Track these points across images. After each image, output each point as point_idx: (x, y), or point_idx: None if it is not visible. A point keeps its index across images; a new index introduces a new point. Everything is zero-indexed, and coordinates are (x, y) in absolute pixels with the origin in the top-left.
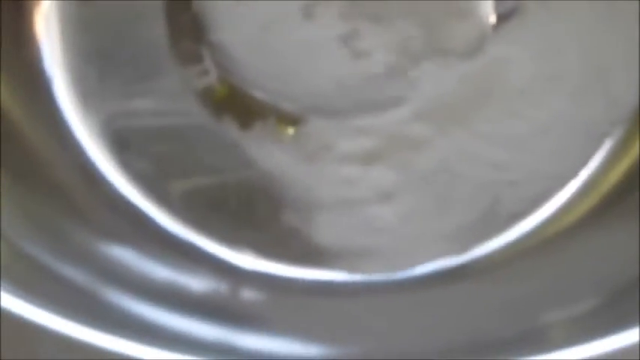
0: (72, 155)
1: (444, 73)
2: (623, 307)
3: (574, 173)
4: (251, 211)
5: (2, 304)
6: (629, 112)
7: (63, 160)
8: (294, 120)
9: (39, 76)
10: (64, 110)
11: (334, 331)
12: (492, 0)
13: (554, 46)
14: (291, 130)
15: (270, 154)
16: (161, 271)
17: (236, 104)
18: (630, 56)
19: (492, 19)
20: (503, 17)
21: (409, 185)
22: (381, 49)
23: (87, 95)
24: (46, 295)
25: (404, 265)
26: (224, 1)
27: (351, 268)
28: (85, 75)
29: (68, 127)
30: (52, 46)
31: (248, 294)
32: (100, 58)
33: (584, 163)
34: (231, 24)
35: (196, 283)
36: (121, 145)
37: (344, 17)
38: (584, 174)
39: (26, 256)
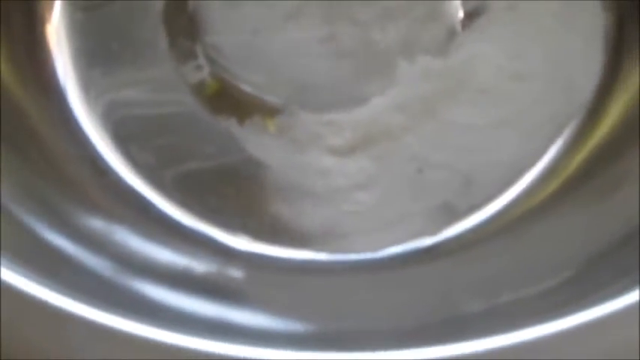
0: (81, 149)
1: (416, 70)
2: (584, 284)
3: (536, 160)
4: (244, 196)
5: (14, 283)
6: (587, 105)
7: (74, 154)
8: (279, 112)
9: (51, 79)
10: (74, 109)
11: (319, 307)
12: (460, 0)
13: (518, 45)
14: (276, 122)
15: (259, 143)
16: (163, 253)
17: (226, 97)
18: (588, 54)
19: (460, 18)
20: (470, 16)
21: (385, 172)
22: (358, 49)
23: (93, 92)
24: (57, 277)
25: (381, 245)
26: (217, 4)
27: (333, 249)
28: (90, 74)
29: (78, 124)
30: (61, 51)
31: (241, 273)
32: (104, 58)
33: (545, 150)
34: (224, 25)
35: (195, 264)
36: (123, 137)
37: (324, 21)
38: (546, 160)
39: (40, 240)
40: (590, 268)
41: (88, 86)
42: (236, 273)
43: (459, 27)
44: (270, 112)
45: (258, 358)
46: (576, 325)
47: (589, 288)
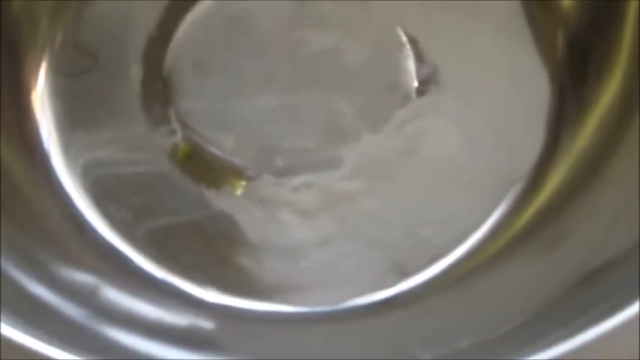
0: (62, 207)
1: (374, 136)
2: (533, 333)
3: (484, 220)
4: (213, 252)
5: (5, 336)
6: (530, 170)
7: (55, 211)
8: (247, 175)
9: (36, 141)
10: (56, 169)
11: (285, 356)
12: (414, 70)
13: (467, 113)
14: (244, 183)
15: (227, 202)
16: (138, 305)
17: (197, 159)
18: (532, 123)
19: (415, 87)
20: (424, 84)
21: (345, 231)
22: (322, 116)
23: (73, 153)
24: (44, 329)
25: (336, 299)
26: (190, 73)
27: (293, 302)
28: (71, 137)
29: (60, 183)
30: (45, 115)
31: (212, 324)
32: (84, 121)
33: (492, 211)
34: (196, 92)
35: (169, 315)
36: (100, 195)
37: (290, 89)
38: (493, 220)
39: (23, 290)
40: (538, 317)
41: (68, 148)
42: (207, 324)
43: (413, 95)
44: (239, 173)
45: None
46: None
47: (537, 336)
